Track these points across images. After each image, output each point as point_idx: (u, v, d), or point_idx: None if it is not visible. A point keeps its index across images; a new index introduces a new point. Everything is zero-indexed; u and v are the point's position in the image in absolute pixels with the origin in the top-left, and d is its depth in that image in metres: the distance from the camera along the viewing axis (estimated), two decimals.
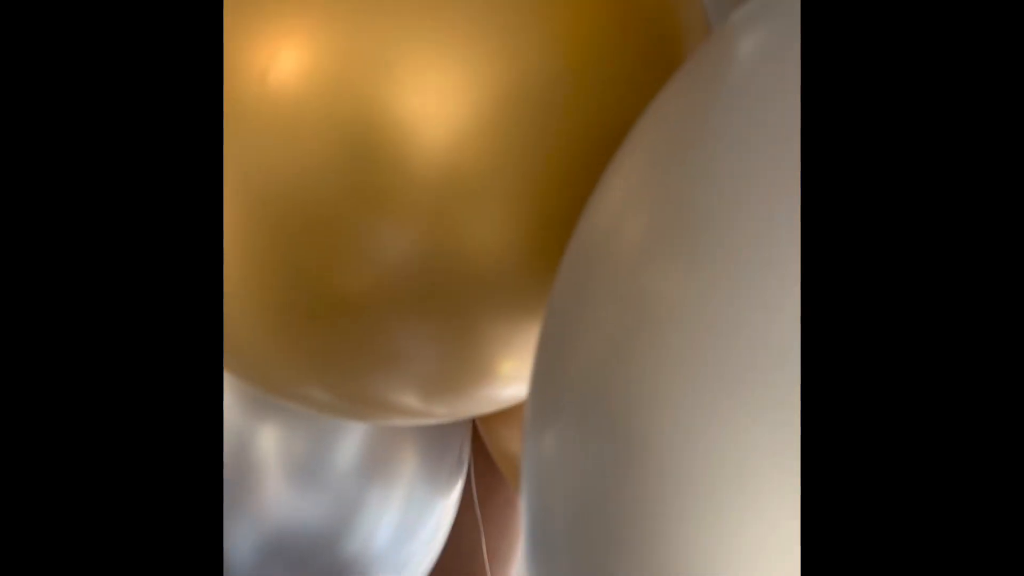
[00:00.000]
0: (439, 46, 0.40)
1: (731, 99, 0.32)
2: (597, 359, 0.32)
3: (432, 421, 0.53)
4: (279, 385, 0.49)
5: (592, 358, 0.32)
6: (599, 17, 0.43)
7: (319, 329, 0.44)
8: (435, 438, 0.75)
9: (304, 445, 0.69)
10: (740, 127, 0.30)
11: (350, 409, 0.50)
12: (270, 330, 0.44)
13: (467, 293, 0.43)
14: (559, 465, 0.33)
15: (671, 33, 0.47)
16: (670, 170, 0.33)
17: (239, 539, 0.69)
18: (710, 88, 0.34)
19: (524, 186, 0.42)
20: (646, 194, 0.33)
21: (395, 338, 0.44)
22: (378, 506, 0.72)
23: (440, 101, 0.40)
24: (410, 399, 0.48)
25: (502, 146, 0.41)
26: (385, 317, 0.43)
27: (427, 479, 0.74)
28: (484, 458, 0.86)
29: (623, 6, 0.44)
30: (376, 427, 0.71)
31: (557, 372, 0.35)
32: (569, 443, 0.33)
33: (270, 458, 0.69)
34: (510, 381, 0.49)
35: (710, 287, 0.28)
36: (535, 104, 0.41)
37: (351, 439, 0.70)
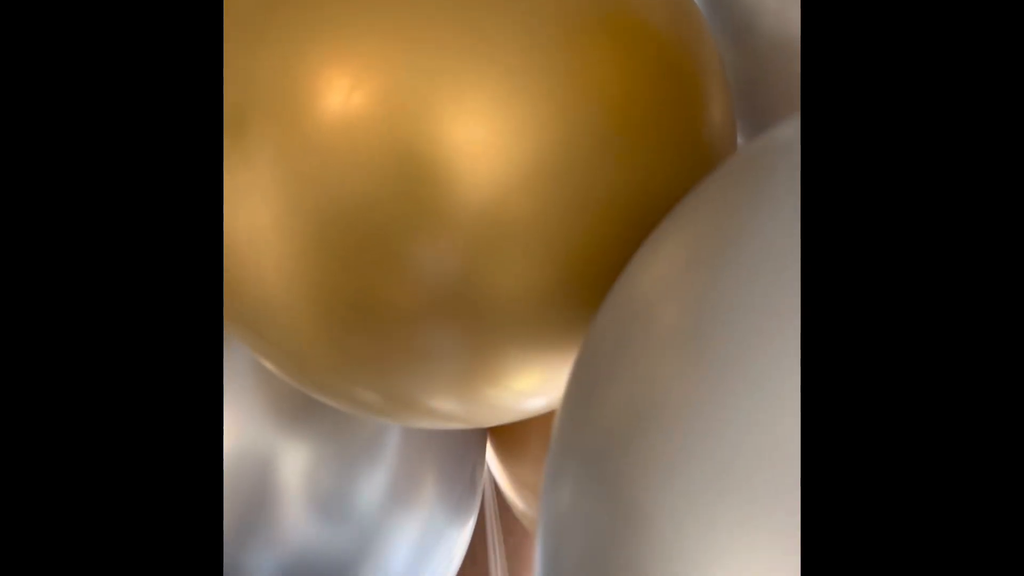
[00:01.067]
0: (494, 92, 0.44)
1: (771, 206, 0.35)
2: (611, 431, 0.36)
3: (459, 425, 0.57)
4: (329, 386, 0.53)
5: (607, 429, 0.36)
6: (648, 92, 0.48)
7: (366, 335, 0.48)
8: (454, 467, 0.77)
9: (328, 473, 0.71)
10: (775, 237, 0.33)
11: (389, 408, 0.54)
12: (325, 336, 0.49)
13: (494, 317, 0.48)
14: (571, 520, 0.37)
15: (706, 118, 0.51)
16: (702, 267, 0.36)
17: (259, 563, 0.71)
18: (753, 190, 0.36)
19: (559, 236, 0.46)
20: (676, 287, 0.37)
21: (429, 345, 0.48)
22: (397, 532, 0.74)
23: (488, 145, 0.44)
24: (440, 402, 0.52)
25: (543, 197, 0.45)
26: (422, 326, 0.47)
27: (445, 507, 0.77)
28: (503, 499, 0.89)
29: (671, 87, 0.49)
30: (398, 456, 0.73)
31: (575, 435, 0.39)
32: (580, 502, 0.37)
33: (294, 485, 0.71)
34: (527, 395, 0.53)
35: (718, 385, 0.32)
36: (580, 163, 0.46)
37: (375, 468, 0.73)
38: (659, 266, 0.39)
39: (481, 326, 0.48)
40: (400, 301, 0.46)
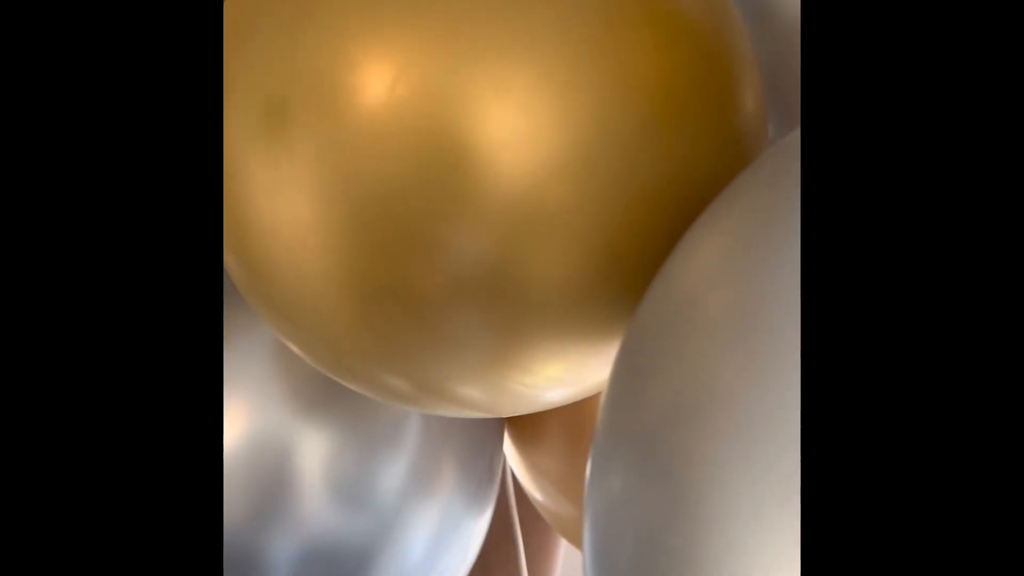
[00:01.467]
0: (533, 82, 0.45)
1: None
2: (662, 419, 0.36)
3: (482, 414, 0.57)
4: (362, 373, 0.54)
5: (657, 416, 0.37)
6: (685, 80, 0.48)
7: (405, 323, 0.49)
8: (472, 456, 0.78)
9: (348, 460, 0.72)
10: None
11: (418, 395, 0.54)
12: (362, 323, 0.49)
13: (525, 305, 0.48)
14: (623, 506, 0.38)
15: (740, 105, 0.52)
16: (747, 255, 0.36)
17: (278, 550, 0.72)
18: (795, 179, 0.36)
19: (596, 225, 0.47)
20: (722, 276, 0.38)
21: (466, 332, 0.49)
22: (416, 520, 0.74)
23: (527, 135, 0.45)
24: (470, 389, 0.53)
25: (580, 186, 0.46)
26: (460, 314, 0.48)
27: (463, 495, 0.77)
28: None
29: (707, 75, 0.49)
30: (418, 444, 0.73)
31: (625, 423, 0.39)
32: (632, 488, 0.37)
33: (313, 472, 0.71)
34: (557, 384, 0.54)
35: (764, 374, 0.33)
36: (616, 152, 0.46)
37: (395, 456, 0.73)
38: (706, 252, 0.39)
39: (517, 314, 0.48)
40: (438, 289, 0.47)
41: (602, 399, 0.42)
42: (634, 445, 0.37)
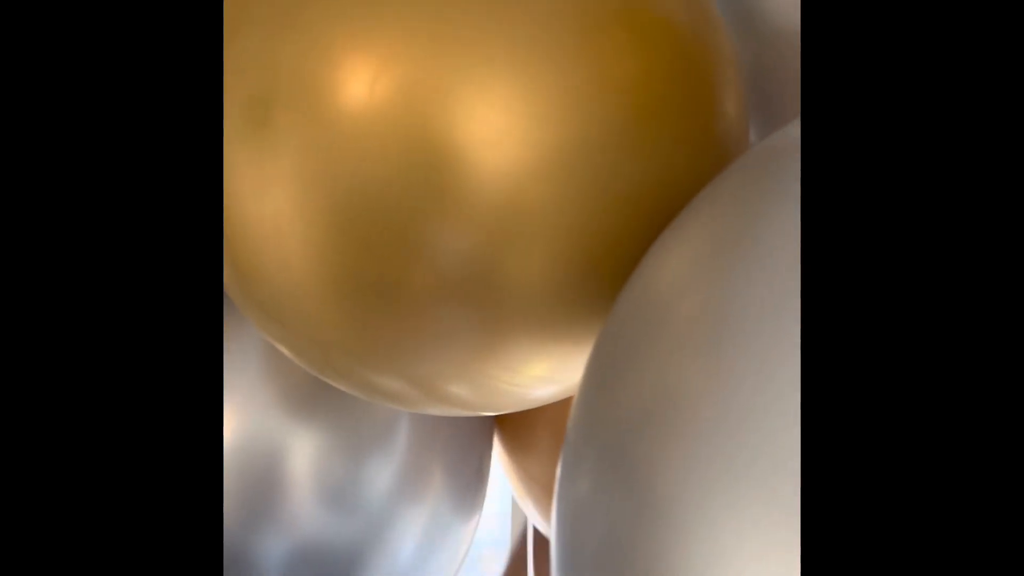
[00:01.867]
0: (514, 83, 0.45)
1: (789, 199, 0.35)
2: (630, 422, 0.36)
3: (470, 412, 0.58)
4: (349, 371, 0.54)
5: (626, 419, 0.37)
6: (665, 84, 0.48)
7: (388, 320, 0.49)
8: (461, 458, 0.78)
9: (337, 463, 0.72)
10: (794, 229, 0.34)
11: (406, 394, 0.54)
12: (347, 321, 0.50)
13: (507, 303, 0.48)
14: (589, 509, 0.38)
15: (721, 109, 0.52)
16: (721, 259, 0.36)
17: (267, 552, 0.72)
18: (772, 183, 0.36)
19: (576, 225, 0.47)
20: (695, 279, 0.37)
21: (448, 329, 0.49)
22: (405, 522, 0.75)
23: (507, 135, 0.45)
24: (455, 386, 0.53)
25: (560, 186, 0.46)
26: (442, 311, 0.48)
27: (452, 498, 0.77)
28: None
29: (687, 78, 0.50)
30: (407, 447, 0.74)
31: (594, 425, 0.39)
32: (599, 491, 0.37)
33: (302, 475, 0.71)
34: (539, 382, 0.54)
35: (737, 375, 0.33)
36: (596, 154, 0.46)
37: (383, 458, 0.73)
38: (678, 257, 0.39)
39: (497, 312, 0.48)
40: (420, 286, 0.47)
41: (574, 400, 0.42)
42: (603, 448, 0.37)
